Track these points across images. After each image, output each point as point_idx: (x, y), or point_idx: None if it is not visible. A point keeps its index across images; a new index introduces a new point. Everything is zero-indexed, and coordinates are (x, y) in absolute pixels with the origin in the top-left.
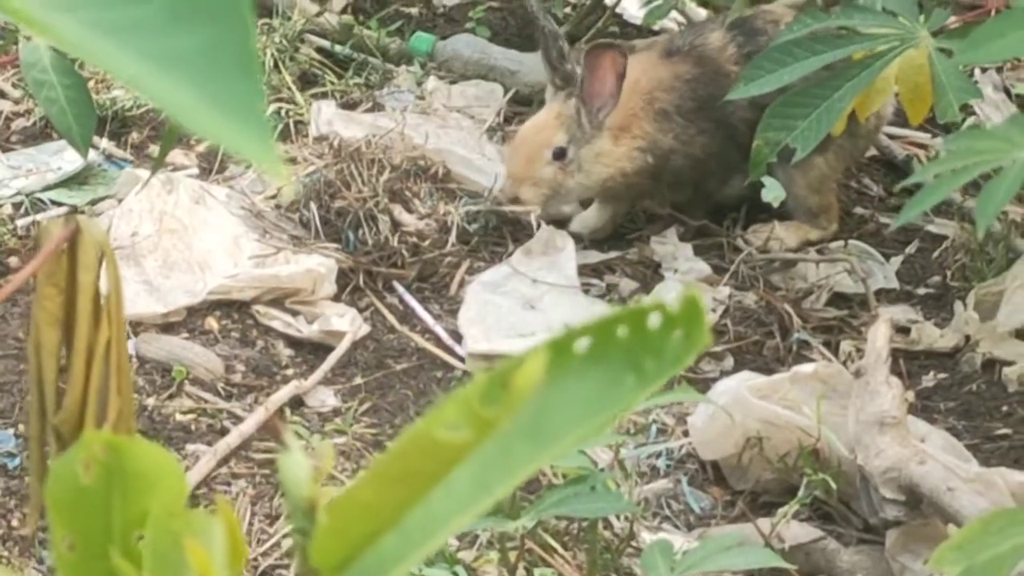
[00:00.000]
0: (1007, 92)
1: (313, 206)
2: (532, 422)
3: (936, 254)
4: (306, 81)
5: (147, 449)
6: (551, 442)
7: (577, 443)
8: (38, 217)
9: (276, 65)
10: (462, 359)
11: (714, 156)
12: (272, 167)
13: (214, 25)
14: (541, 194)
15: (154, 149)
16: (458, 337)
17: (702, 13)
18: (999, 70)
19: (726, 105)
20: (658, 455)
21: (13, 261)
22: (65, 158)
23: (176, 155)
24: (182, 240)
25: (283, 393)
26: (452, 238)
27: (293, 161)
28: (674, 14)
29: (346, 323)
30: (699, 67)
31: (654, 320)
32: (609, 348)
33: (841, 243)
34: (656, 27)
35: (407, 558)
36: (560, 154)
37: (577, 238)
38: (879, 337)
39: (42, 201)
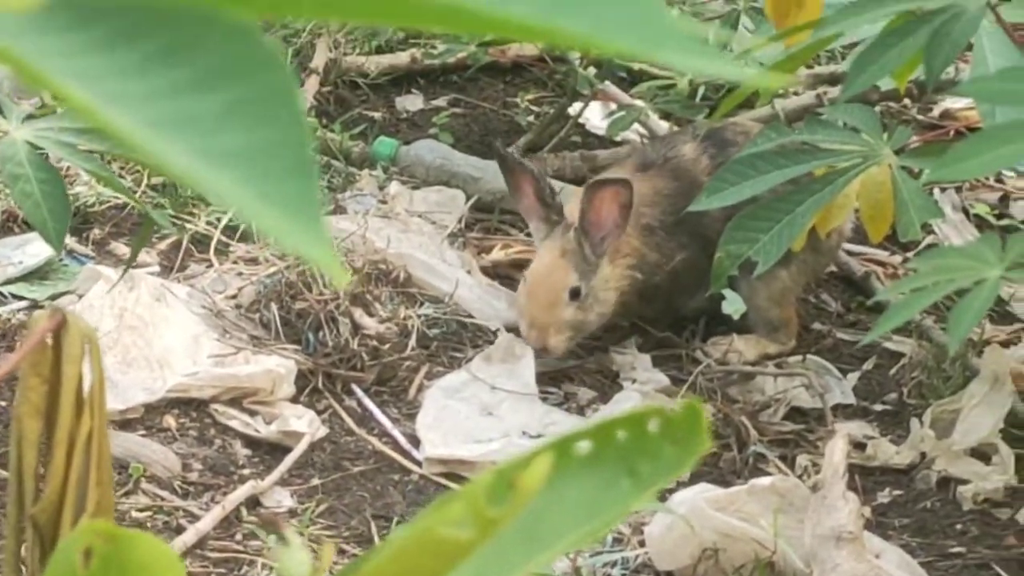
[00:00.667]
0: (966, 212)
1: (274, 307)
2: (528, 523)
3: (893, 371)
4: None
5: (147, 541)
6: (547, 544)
7: (572, 546)
8: None
9: None
10: (419, 463)
11: (690, 270)
12: (330, 267)
13: (267, 124)
14: (567, 338)
15: (115, 246)
16: (416, 441)
17: (664, 125)
18: (958, 190)
19: (702, 218)
20: (614, 564)
21: None
22: (27, 252)
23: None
24: (142, 337)
25: (240, 493)
26: (412, 342)
27: (255, 261)
28: (636, 125)
29: (304, 424)
30: (676, 180)
31: (653, 425)
32: (607, 452)
33: (799, 358)
34: (618, 137)
35: None
36: (576, 294)
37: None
38: (836, 452)
39: (2, 295)
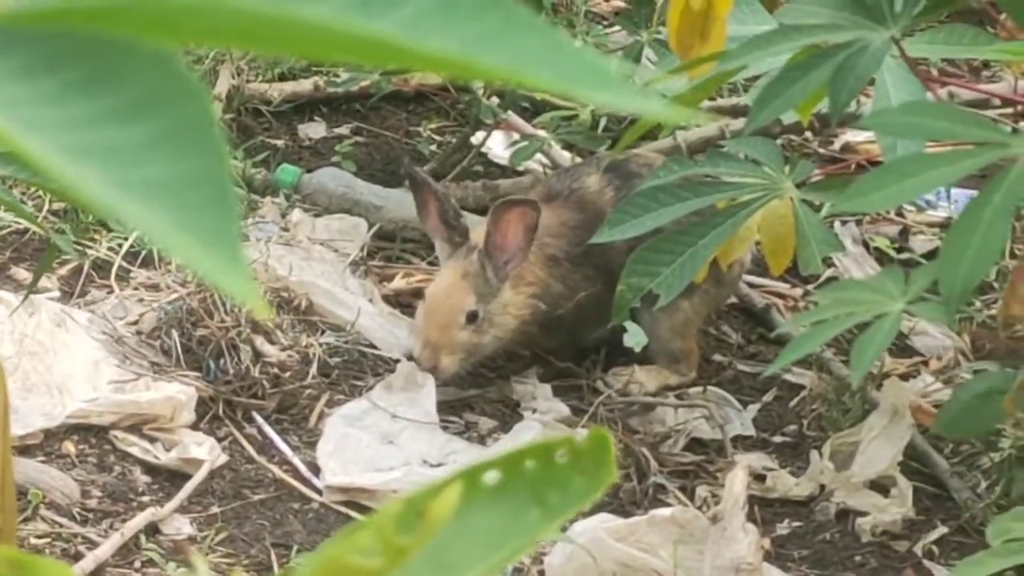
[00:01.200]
0: (866, 245)
1: (175, 334)
2: (437, 552)
3: (793, 403)
4: None
5: (53, 568)
6: (455, 573)
7: (480, 575)
8: None
9: None
10: (320, 491)
11: (594, 302)
12: (248, 297)
13: (189, 155)
14: (459, 359)
15: (16, 271)
16: (316, 469)
17: (567, 155)
18: (858, 223)
19: (607, 251)
20: None
21: None
22: None
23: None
24: (42, 363)
25: (139, 520)
26: (313, 370)
27: (156, 288)
28: (539, 156)
29: (204, 452)
30: (582, 212)
31: (561, 455)
32: (516, 482)
33: (700, 389)
34: (521, 167)
35: None
36: (473, 317)
37: (437, 376)
38: (736, 483)
39: None
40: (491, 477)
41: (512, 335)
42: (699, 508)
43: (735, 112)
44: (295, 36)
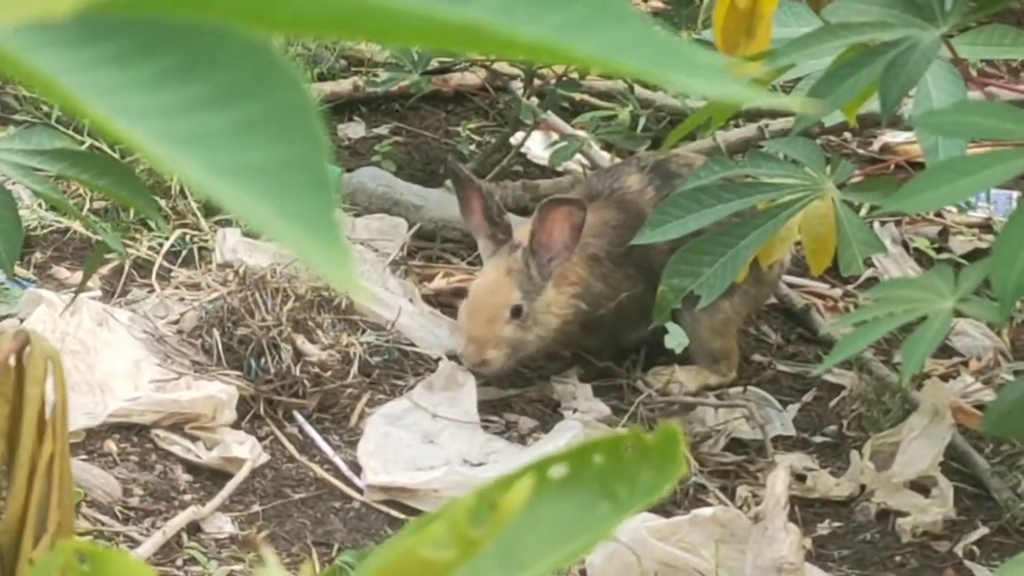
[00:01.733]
0: (905, 246)
1: (216, 333)
2: (505, 545)
3: (833, 403)
4: (211, 208)
5: (124, 559)
6: (523, 567)
7: (550, 568)
8: None
9: (181, 190)
10: (361, 491)
11: (635, 303)
12: (349, 284)
13: (287, 140)
14: (504, 354)
15: (57, 269)
16: (357, 468)
17: (605, 156)
18: (898, 224)
19: (648, 251)
20: None
21: None
22: None
23: (80, 277)
24: (83, 362)
25: (181, 518)
26: (354, 370)
27: (197, 287)
28: (578, 156)
29: (245, 451)
30: (623, 212)
31: (629, 449)
32: (584, 475)
33: (740, 389)
34: (560, 167)
35: None
36: (517, 312)
37: (478, 376)
38: (778, 484)
39: None
40: (559, 471)
41: (555, 335)
42: (740, 508)
43: (774, 113)
44: (386, 22)
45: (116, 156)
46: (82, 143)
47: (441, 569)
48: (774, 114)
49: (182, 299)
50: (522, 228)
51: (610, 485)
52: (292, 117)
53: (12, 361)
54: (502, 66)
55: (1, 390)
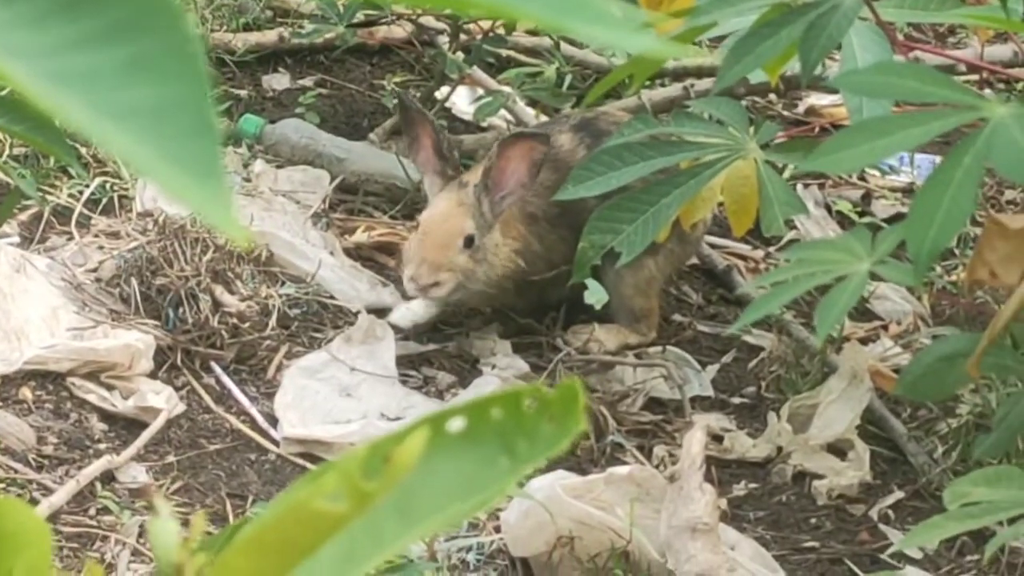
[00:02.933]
0: (828, 208)
1: (134, 281)
2: (402, 499)
3: (752, 364)
4: None
5: (14, 507)
6: (421, 520)
7: (448, 522)
8: None
9: None
10: (277, 443)
11: (568, 263)
12: (231, 227)
13: (171, 81)
14: (454, 281)
15: None
16: (274, 421)
17: (531, 112)
18: (821, 186)
19: (581, 212)
20: (469, 549)
21: None
22: None
23: None
24: (0, 308)
25: (95, 467)
26: (273, 321)
27: (116, 236)
28: (503, 112)
29: (162, 400)
30: (556, 172)
31: (529, 404)
32: (483, 429)
33: (659, 349)
34: (485, 123)
35: None
36: (470, 242)
37: (397, 330)
38: (695, 443)
39: None
40: (457, 424)
41: (495, 284)
42: (656, 467)
43: (699, 73)
44: None
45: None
46: (2, 88)
47: (335, 521)
48: (700, 74)
49: (101, 247)
50: (472, 169)
51: (510, 439)
52: (177, 57)
53: None
54: (428, 20)
55: None
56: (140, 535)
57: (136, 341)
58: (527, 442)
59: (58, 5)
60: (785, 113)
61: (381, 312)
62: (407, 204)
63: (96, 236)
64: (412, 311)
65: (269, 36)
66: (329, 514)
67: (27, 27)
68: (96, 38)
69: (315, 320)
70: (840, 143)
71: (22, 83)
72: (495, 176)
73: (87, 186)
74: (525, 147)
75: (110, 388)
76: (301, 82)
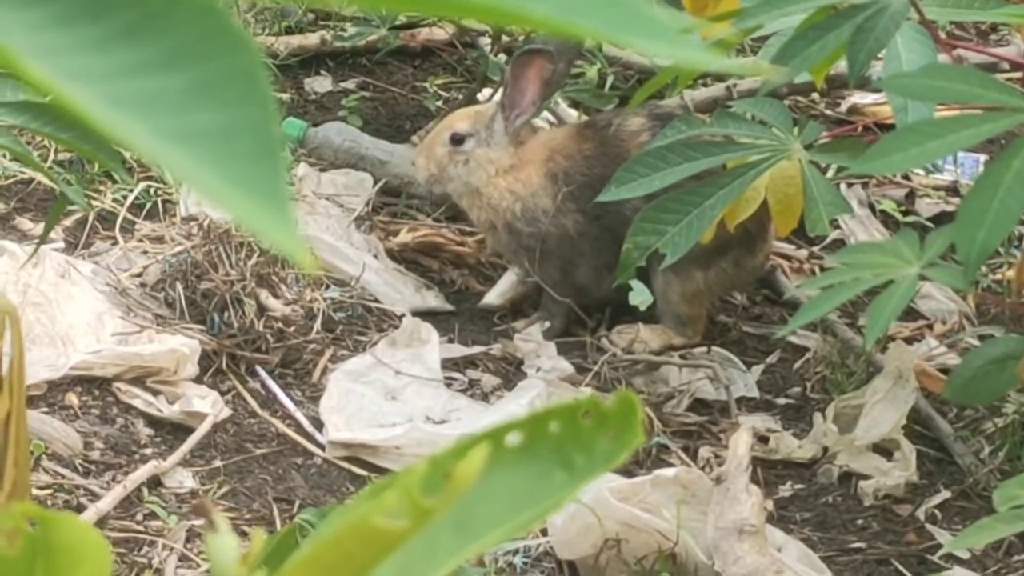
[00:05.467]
0: (872, 208)
1: (179, 286)
2: (459, 514)
3: (797, 365)
4: None
5: (75, 524)
6: (477, 535)
7: (504, 537)
8: None
9: None
10: (322, 446)
11: (587, 239)
12: (295, 251)
13: (236, 104)
14: (429, 169)
15: (20, 220)
16: (319, 424)
17: (573, 113)
18: (865, 186)
19: (594, 194)
20: (515, 552)
21: None
22: None
23: (43, 228)
24: (45, 314)
25: (141, 472)
26: (317, 325)
27: (160, 240)
28: (545, 113)
29: (207, 405)
30: (603, 146)
31: (587, 417)
32: (540, 443)
33: (704, 349)
34: None
35: None
36: (457, 140)
37: (492, 310)
38: (741, 445)
39: None
40: (514, 438)
41: (474, 197)
42: (702, 468)
43: (742, 73)
44: None
45: None
46: (46, 95)
47: (394, 538)
48: (742, 74)
49: (145, 252)
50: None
51: (567, 453)
52: (241, 81)
53: None
54: (470, 22)
55: None
56: (187, 540)
57: (181, 346)
58: (584, 456)
59: (120, 30)
60: (828, 112)
61: (425, 315)
62: (450, 206)
63: (140, 241)
64: (498, 290)
65: (311, 39)
66: (389, 531)
67: (89, 51)
68: (159, 63)
69: (359, 323)
70: (891, 146)
71: (85, 107)
72: (511, 97)
73: (131, 191)
74: (537, 65)
75: (156, 393)
76: (343, 85)
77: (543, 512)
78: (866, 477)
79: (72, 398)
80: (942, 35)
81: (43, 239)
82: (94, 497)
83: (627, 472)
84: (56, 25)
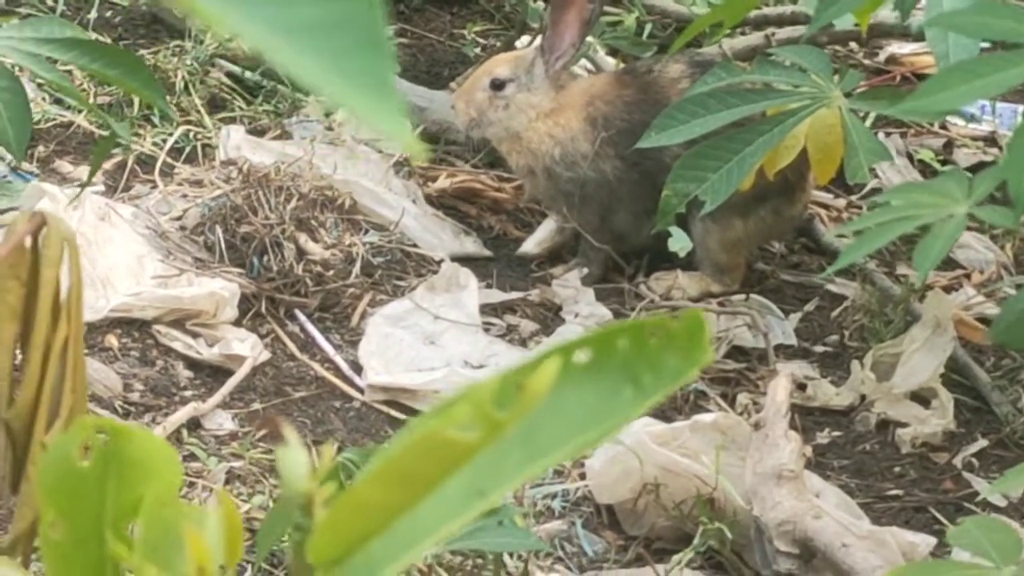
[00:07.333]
0: (910, 157)
1: (219, 229)
2: (528, 430)
3: (835, 313)
4: (215, 105)
5: (146, 437)
6: (546, 451)
7: (572, 453)
8: None
9: (186, 87)
10: (361, 390)
11: (626, 185)
12: (404, 138)
13: None
14: (468, 113)
15: (60, 163)
16: (358, 368)
17: (611, 61)
18: (903, 135)
19: (632, 140)
20: (554, 496)
21: None
22: None
23: (83, 171)
24: (86, 256)
25: (181, 414)
26: (356, 269)
27: (200, 184)
28: (584, 60)
29: (247, 348)
30: (643, 92)
31: (654, 335)
32: (608, 361)
33: (742, 296)
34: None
35: (396, 560)
36: (497, 85)
37: (530, 258)
38: (780, 391)
39: None
40: (582, 356)
41: (515, 142)
42: (740, 415)
43: (780, 20)
44: None
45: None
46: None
47: (465, 450)
48: (780, 21)
49: (185, 196)
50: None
51: (635, 370)
52: None
53: (28, 243)
54: None
55: (16, 272)
56: (227, 481)
57: (221, 289)
58: (652, 373)
59: None
60: (866, 62)
61: (463, 260)
62: (488, 152)
63: (180, 185)
64: (536, 239)
65: None
66: (460, 444)
67: None
68: None
69: (398, 268)
70: (936, 85)
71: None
72: (551, 40)
73: (170, 135)
74: (576, 5)
75: (195, 336)
76: None
77: (611, 429)
78: (903, 425)
79: (112, 340)
80: None
81: (88, 180)
82: None
83: (666, 418)
84: None
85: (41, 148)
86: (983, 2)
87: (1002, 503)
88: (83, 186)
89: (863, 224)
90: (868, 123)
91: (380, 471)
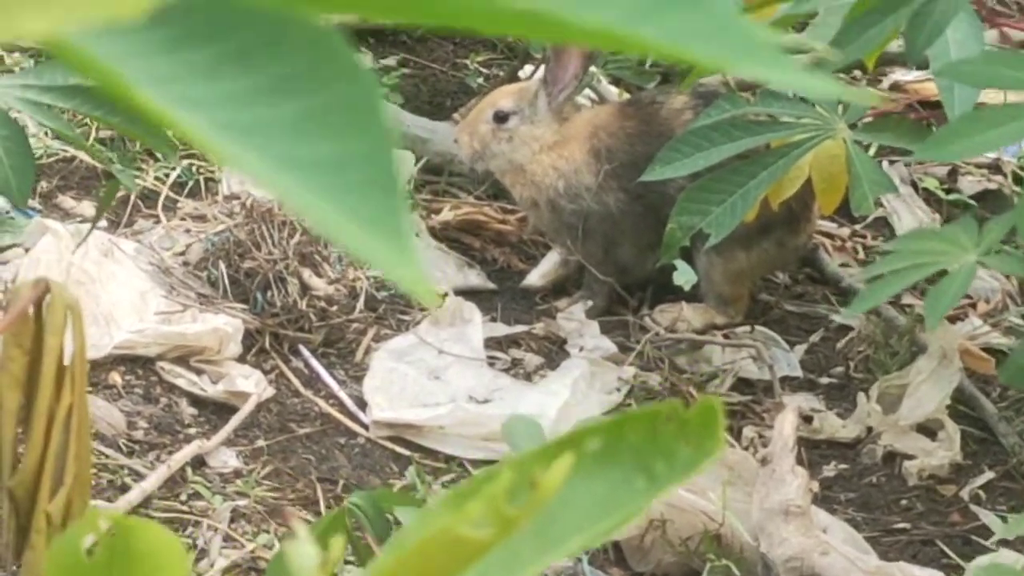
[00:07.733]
0: (914, 186)
1: (222, 265)
2: (540, 521)
3: (840, 344)
4: None
5: (153, 530)
6: (558, 543)
7: (585, 544)
8: None
9: None
10: (366, 426)
11: (629, 217)
12: (419, 288)
13: (349, 134)
14: (471, 146)
15: (63, 199)
16: (362, 404)
17: (614, 91)
18: (907, 164)
19: (637, 173)
20: None
21: None
22: None
23: (86, 207)
24: (89, 293)
25: (185, 452)
26: (360, 304)
27: (203, 219)
28: (587, 90)
29: (251, 384)
30: (646, 124)
31: (667, 424)
32: (620, 449)
33: (747, 328)
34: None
35: None
36: (501, 118)
37: (534, 290)
38: (786, 425)
39: None
40: (594, 444)
41: (519, 175)
42: (746, 448)
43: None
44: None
45: None
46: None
47: (479, 547)
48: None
49: (188, 231)
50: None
51: (647, 460)
52: (356, 110)
53: (31, 310)
54: None
55: (20, 340)
56: (231, 520)
57: (224, 325)
58: (665, 463)
59: (231, 55)
60: (870, 89)
61: (468, 294)
62: (492, 184)
63: (183, 219)
64: (541, 271)
65: (350, 16)
66: (474, 540)
67: (200, 78)
68: (271, 90)
69: (402, 302)
70: (954, 132)
71: (197, 134)
72: (554, 72)
73: (173, 169)
74: None
75: (199, 372)
76: (384, 62)
77: (624, 519)
78: (910, 457)
79: (116, 377)
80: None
81: (95, 222)
82: (138, 477)
83: None
84: (165, 51)
85: (44, 183)
86: (997, 53)
87: (1009, 536)
88: (90, 229)
89: (872, 272)
90: (872, 151)
91: (391, 566)
